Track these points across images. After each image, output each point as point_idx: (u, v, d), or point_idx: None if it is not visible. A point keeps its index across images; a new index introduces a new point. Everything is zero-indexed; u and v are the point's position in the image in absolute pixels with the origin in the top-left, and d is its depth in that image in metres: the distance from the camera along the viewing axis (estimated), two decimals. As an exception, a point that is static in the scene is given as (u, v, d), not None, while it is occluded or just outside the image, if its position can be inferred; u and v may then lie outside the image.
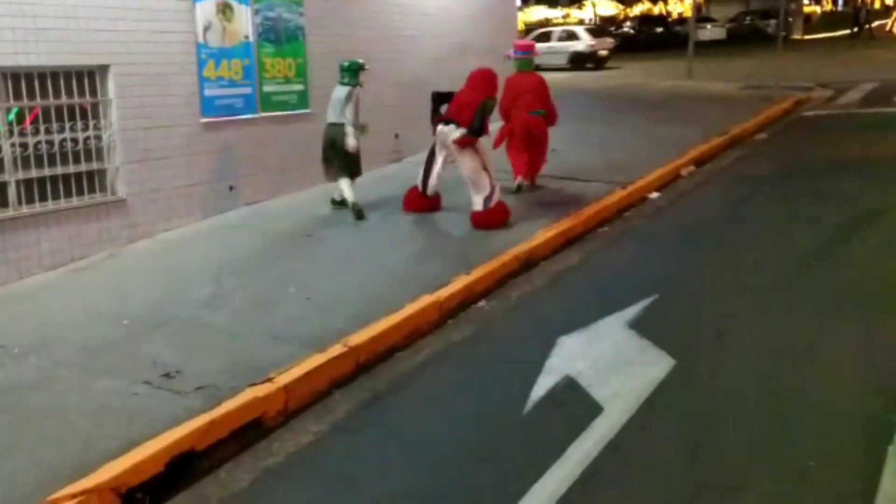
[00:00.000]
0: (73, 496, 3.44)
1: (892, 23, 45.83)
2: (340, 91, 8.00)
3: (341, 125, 7.93)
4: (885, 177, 9.10)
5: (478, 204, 7.56)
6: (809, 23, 51.09)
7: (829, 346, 4.86)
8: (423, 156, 8.18)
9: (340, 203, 8.32)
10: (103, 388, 4.49)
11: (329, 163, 8.12)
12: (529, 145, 8.75)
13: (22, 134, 6.81)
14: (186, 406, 4.21)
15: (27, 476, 3.63)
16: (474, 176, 7.56)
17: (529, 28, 39.06)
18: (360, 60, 8.17)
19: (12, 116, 6.76)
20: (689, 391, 4.39)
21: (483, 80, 7.78)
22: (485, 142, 7.84)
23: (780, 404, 4.19)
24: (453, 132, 7.59)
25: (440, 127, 7.76)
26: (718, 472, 3.62)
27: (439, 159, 7.94)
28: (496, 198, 7.56)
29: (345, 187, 8.10)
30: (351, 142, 7.87)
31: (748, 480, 3.54)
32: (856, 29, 38.39)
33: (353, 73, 8.04)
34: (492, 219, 7.52)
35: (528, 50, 9.30)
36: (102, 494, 3.53)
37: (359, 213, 7.99)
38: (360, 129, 7.99)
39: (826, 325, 5.18)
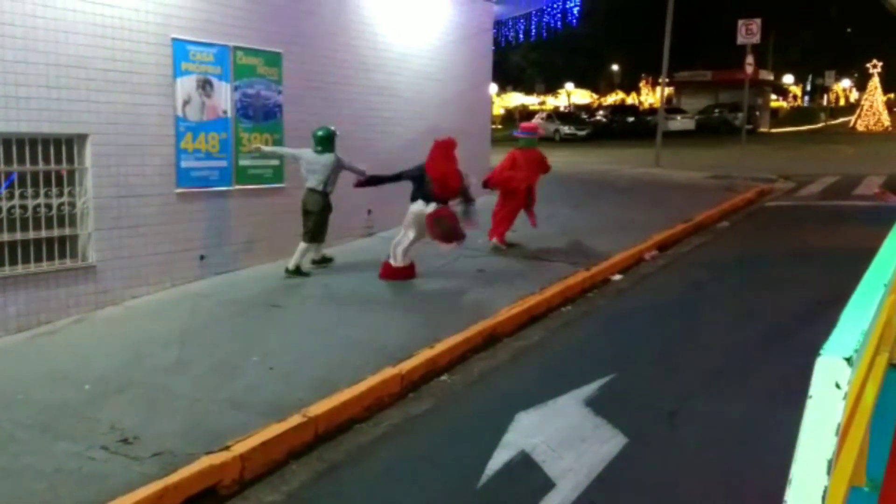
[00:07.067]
0: (22, 558, 3.44)
1: (855, 119, 47.62)
2: (327, 158, 8.51)
3: (317, 192, 8.51)
4: (840, 266, 9.25)
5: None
6: (777, 117, 52.95)
7: (776, 431, 4.95)
8: (395, 231, 8.45)
9: (321, 261, 9.01)
10: (61, 450, 4.50)
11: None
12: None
13: (-4, 198, 6.91)
14: (141, 472, 4.23)
15: (-24, 537, 3.63)
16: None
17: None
18: (332, 127, 8.70)
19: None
20: (639, 469, 4.48)
21: (452, 148, 8.50)
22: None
23: (722, 485, 4.28)
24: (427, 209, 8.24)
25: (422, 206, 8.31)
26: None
27: (410, 234, 8.39)
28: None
29: (298, 251, 8.61)
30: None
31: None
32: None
33: (329, 140, 8.61)
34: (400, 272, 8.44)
35: (532, 131, 11.00)
36: (51, 557, 3.53)
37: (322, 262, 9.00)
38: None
39: (774, 409, 5.29)
